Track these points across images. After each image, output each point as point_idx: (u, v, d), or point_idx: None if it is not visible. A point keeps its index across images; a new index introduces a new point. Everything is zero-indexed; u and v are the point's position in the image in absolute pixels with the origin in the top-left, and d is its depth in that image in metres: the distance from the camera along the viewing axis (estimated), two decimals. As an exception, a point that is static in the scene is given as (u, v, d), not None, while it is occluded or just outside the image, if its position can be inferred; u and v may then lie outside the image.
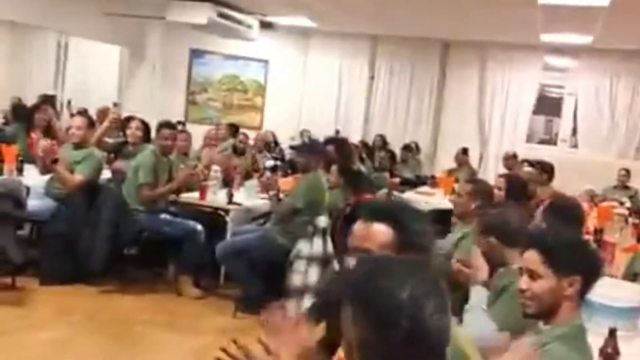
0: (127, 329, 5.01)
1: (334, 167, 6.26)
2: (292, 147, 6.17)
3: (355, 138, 10.66)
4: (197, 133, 9.35)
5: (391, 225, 1.84)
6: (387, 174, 8.89)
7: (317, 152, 5.78)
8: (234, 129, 9.48)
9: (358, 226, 1.88)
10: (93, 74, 12.17)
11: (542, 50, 10.88)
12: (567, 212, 3.78)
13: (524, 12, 8.23)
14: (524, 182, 5.20)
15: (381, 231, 1.85)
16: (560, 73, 11.19)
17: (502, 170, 9.92)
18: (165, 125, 6.08)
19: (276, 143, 10.63)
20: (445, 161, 10.93)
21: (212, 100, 12.24)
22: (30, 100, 10.20)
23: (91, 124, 6.03)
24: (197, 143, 8.14)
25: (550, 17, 8.26)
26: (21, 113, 8.69)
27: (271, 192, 5.69)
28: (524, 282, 2.37)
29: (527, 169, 6.21)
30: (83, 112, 6.72)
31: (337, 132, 11.18)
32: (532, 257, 2.36)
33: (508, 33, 10.17)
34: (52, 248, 5.75)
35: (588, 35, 9.27)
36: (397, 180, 9.11)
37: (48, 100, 9.50)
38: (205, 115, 12.08)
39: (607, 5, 7.19)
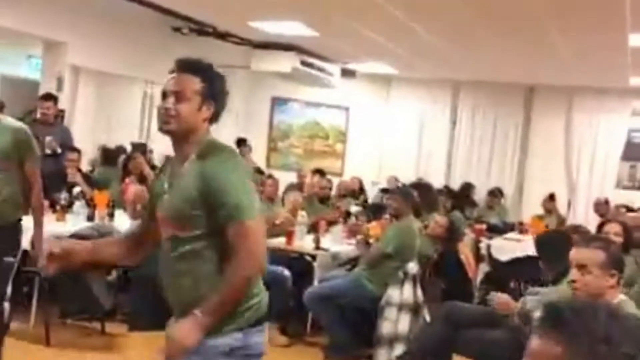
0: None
1: (438, 216, 6.16)
2: (384, 190, 6.11)
3: (437, 184, 10.51)
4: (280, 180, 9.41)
5: None
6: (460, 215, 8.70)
7: (410, 198, 5.70)
8: (320, 174, 9.40)
9: None
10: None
11: (631, 95, 10.56)
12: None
13: (613, 55, 8.02)
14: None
15: None
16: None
17: (593, 216, 9.58)
18: (255, 171, 6.12)
19: (362, 189, 10.56)
20: (531, 207, 10.62)
21: (293, 147, 12.33)
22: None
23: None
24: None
25: (642, 60, 8.02)
26: (110, 158, 8.93)
27: (359, 237, 5.63)
28: None
29: (630, 214, 5.90)
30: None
31: (420, 179, 11.03)
32: None
33: (596, 77, 9.91)
34: (140, 294, 5.76)
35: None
36: (483, 226, 8.92)
37: (139, 147, 9.74)
38: (286, 162, 12.16)
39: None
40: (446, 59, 9.41)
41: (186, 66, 2.35)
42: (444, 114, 11.88)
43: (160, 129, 2.32)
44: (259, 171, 6.24)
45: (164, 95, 2.33)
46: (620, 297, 2.96)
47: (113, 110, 13.15)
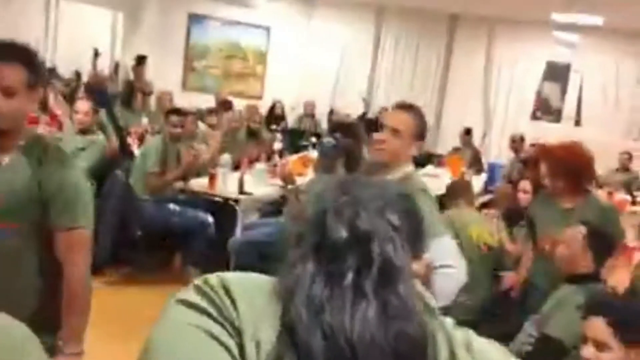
0: (132, 324, 4.83)
1: None
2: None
3: (355, 113, 10.51)
4: (197, 102, 9.05)
5: None
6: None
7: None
8: (227, 105, 8.75)
9: None
10: (85, 39, 11.72)
11: (551, 28, 10.63)
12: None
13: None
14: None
15: None
16: (568, 50, 10.95)
17: (507, 150, 9.71)
18: (174, 111, 5.84)
19: (283, 117, 10.32)
20: (449, 139, 10.75)
21: (211, 68, 11.85)
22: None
23: (95, 110, 5.67)
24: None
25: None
26: None
27: (290, 186, 5.25)
28: (589, 353, 2.28)
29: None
30: (86, 97, 6.26)
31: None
32: (599, 327, 2.26)
33: (519, 9, 9.92)
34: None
35: (598, 15, 9.02)
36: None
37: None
38: (203, 84, 11.72)
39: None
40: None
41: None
42: (367, 40, 11.68)
43: None
44: (179, 112, 5.89)
45: None
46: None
47: (13, 17, 12.34)
